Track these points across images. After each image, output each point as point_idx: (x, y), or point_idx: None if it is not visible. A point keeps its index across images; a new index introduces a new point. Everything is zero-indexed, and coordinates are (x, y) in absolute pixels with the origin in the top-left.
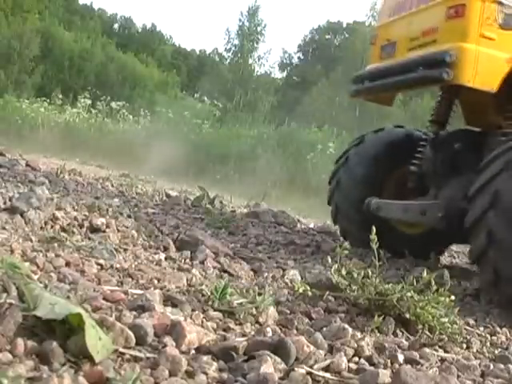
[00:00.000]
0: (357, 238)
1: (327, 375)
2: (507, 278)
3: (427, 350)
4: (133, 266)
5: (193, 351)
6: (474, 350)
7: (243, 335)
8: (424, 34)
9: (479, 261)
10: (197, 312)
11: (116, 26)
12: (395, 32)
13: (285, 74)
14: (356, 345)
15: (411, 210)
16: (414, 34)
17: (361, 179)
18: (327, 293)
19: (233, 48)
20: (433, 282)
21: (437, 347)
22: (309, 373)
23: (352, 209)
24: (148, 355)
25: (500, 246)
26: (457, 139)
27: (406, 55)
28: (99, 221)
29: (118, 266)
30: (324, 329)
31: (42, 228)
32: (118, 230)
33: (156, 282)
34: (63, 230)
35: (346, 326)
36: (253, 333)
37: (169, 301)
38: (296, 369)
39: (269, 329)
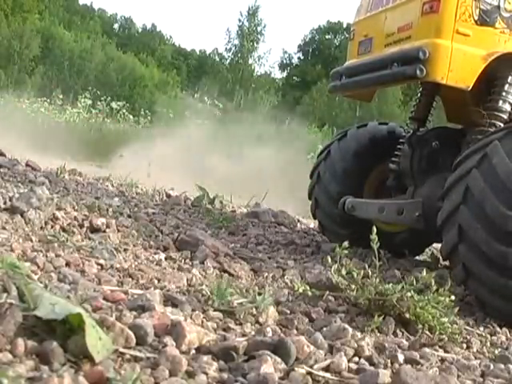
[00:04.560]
0: (335, 233)
1: (327, 375)
2: (476, 275)
3: (427, 349)
4: (133, 266)
5: (193, 351)
6: (474, 350)
7: (243, 335)
8: (399, 29)
9: (450, 257)
10: (197, 312)
11: (116, 26)
12: (372, 28)
13: (285, 74)
14: (356, 345)
15: (387, 209)
16: (390, 30)
17: (341, 174)
18: (327, 293)
19: (233, 48)
20: (433, 282)
21: (437, 347)
22: (309, 373)
23: (331, 204)
24: (148, 355)
25: (469, 242)
26: (434, 137)
27: (382, 51)
28: (99, 221)
29: (118, 265)
30: (324, 329)
31: (42, 228)
32: (118, 230)
33: (156, 281)
34: (63, 229)
35: (346, 325)
36: (253, 333)
37: (169, 301)
38: (296, 369)
39: (269, 329)
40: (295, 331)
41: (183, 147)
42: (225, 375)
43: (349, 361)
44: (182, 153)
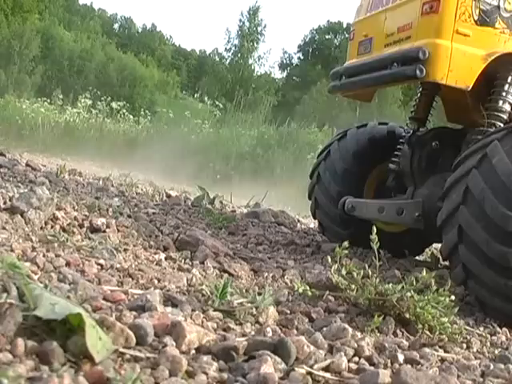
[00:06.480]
0: (335, 233)
1: (327, 375)
2: (475, 275)
3: (427, 349)
4: (133, 265)
5: (193, 351)
6: (474, 350)
7: (243, 335)
8: (399, 30)
9: (450, 257)
10: (197, 312)
11: (116, 26)
12: (372, 28)
13: (285, 74)
14: (356, 345)
15: (387, 209)
16: (390, 30)
17: (341, 175)
18: (327, 293)
19: (233, 48)
20: (433, 282)
21: (437, 347)
22: (309, 373)
23: (331, 204)
24: (148, 355)
25: (469, 242)
26: (434, 137)
27: (382, 51)
28: (99, 221)
29: (118, 265)
30: (324, 329)
31: (42, 228)
32: (118, 230)
33: (156, 281)
34: (63, 229)
35: (346, 325)
36: (253, 333)
37: (169, 301)
38: (296, 369)
39: (269, 329)
40: (295, 331)
41: None
42: (225, 375)
43: (349, 361)
44: None
